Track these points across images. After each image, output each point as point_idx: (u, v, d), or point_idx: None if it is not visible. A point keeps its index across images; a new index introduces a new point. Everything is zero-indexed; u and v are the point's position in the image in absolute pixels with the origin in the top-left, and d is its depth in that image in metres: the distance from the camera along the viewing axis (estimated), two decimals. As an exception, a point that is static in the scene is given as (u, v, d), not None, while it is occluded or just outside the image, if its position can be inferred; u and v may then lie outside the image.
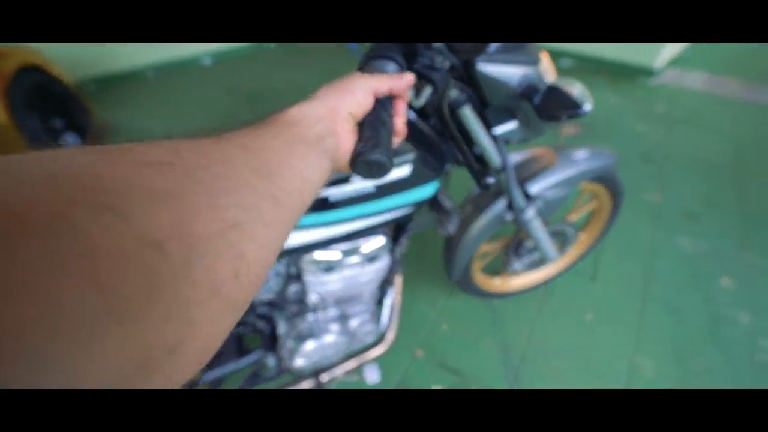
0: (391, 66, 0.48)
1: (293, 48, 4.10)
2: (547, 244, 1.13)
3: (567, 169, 1.03)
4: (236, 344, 1.04)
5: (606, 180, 1.18)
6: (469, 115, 0.69)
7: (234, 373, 1.14)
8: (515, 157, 1.08)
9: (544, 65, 0.73)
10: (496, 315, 1.42)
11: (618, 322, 1.36)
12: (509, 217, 1.02)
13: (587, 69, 2.95)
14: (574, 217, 1.31)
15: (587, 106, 0.63)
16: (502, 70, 0.65)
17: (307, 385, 1.07)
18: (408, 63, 0.58)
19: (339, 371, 1.10)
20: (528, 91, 0.66)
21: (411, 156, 0.71)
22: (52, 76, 2.34)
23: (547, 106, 0.65)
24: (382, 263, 0.88)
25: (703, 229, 1.63)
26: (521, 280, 1.43)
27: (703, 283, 1.44)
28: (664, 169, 1.96)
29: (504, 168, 0.82)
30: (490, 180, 0.72)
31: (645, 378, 1.20)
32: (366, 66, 0.49)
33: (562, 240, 1.30)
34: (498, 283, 1.40)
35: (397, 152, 0.69)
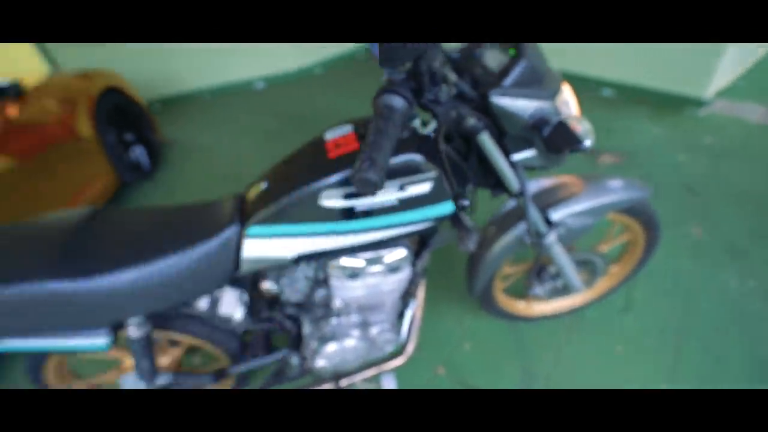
0: (398, 101, 0.55)
1: (336, 74, 4.35)
2: (571, 272, 1.13)
3: (593, 198, 1.04)
4: (265, 342, 1.12)
5: (638, 213, 1.15)
6: (486, 141, 0.75)
7: (261, 369, 1.23)
8: (542, 183, 1.11)
9: (564, 97, 0.78)
10: (521, 339, 1.42)
11: (650, 358, 1.31)
12: (529, 240, 1.04)
13: (629, 99, 2.90)
14: (605, 248, 1.28)
15: (587, 143, 0.66)
16: (516, 103, 0.70)
17: (324, 388, 1.12)
18: (416, 97, 0.65)
19: (358, 378, 1.15)
20: (539, 124, 0.70)
21: (433, 174, 0.75)
22: (128, 97, 2.65)
23: (554, 140, 0.68)
24: (404, 275, 0.93)
25: (751, 267, 1.54)
26: (546, 306, 1.43)
27: (750, 326, 1.36)
28: (709, 201, 1.88)
29: (522, 193, 0.86)
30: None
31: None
32: (377, 99, 0.57)
33: (590, 270, 1.28)
34: (521, 307, 1.40)
35: (419, 170, 0.75)
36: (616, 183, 1.08)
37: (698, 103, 2.59)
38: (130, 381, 1.07)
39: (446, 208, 0.81)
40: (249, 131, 3.23)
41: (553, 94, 0.73)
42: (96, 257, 0.77)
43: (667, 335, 1.37)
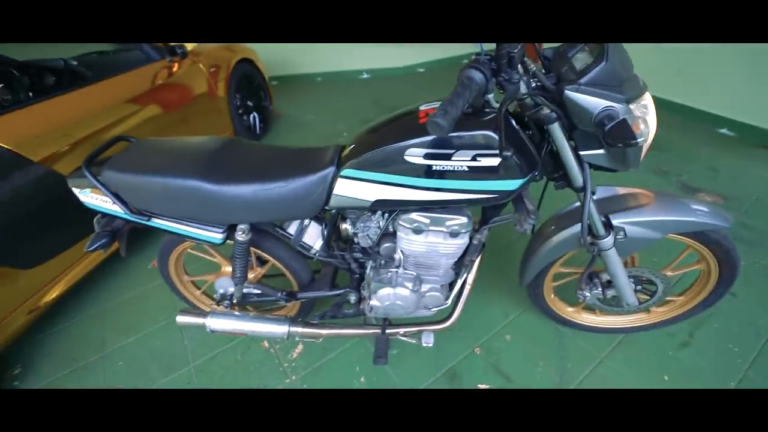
0: (478, 75, 0.71)
1: (436, 74, 4.53)
2: (625, 284, 1.15)
3: (660, 213, 1.04)
4: (331, 278, 1.34)
5: (712, 242, 1.11)
6: (556, 131, 0.85)
7: (323, 299, 1.43)
8: (615, 190, 1.14)
9: (643, 104, 0.83)
10: (564, 344, 1.45)
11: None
12: (586, 240, 1.04)
13: (749, 141, 2.63)
14: (671, 273, 1.26)
15: (640, 139, 0.72)
16: (588, 99, 0.78)
17: (371, 331, 1.29)
18: (494, 74, 0.77)
19: (402, 330, 1.30)
20: (605, 120, 0.76)
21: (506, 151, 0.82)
22: (256, 68, 3.09)
23: (612, 133, 0.74)
24: (461, 241, 1.05)
25: None
26: (594, 317, 1.44)
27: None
28: (818, 262, 1.69)
29: (584, 188, 0.93)
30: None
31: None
32: (462, 70, 0.72)
33: (649, 291, 1.27)
34: (569, 311, 1.44)
35: (492, 146, 0.86)
36: (690, 204, 1.06)
37: (836, 157, 2.28)
38: (225, 282, 1.35)
39: (511, 185, 0.91)
40: (348, 115, 3.55)
41: (628, 98, 0.78)
42: (230, 171, 1.02)
43: (723, 378, 1.30)
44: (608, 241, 1.05)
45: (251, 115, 3.11)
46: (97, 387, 1.48)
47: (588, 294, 1.26)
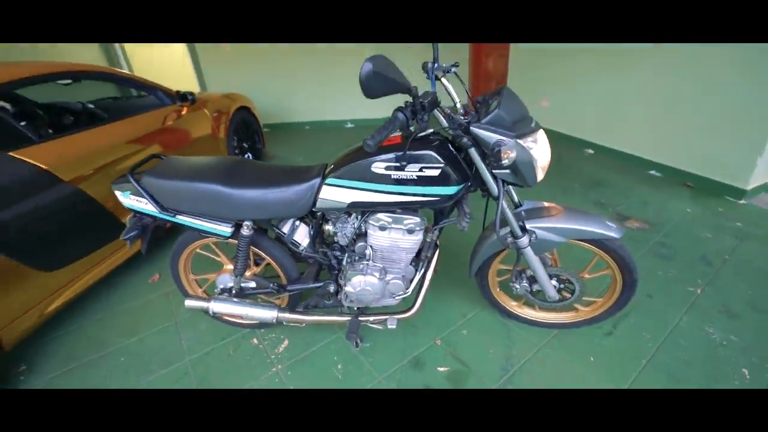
0: (401, 115, 1.01)
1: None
2: (543, 278, 1.46)
3: (563, 222, 1.33)
4: (316, 272, 1.61)
5: (610, 250, 1.38)
6: (473, 154, 1.19)
7: (308, 292, 1.69)
8: (537, 204, 1.43)
9: (534, 138, 1.17)
10: (511, 336, 1.72)
11: (617, 370, 1.54)
12: (510, 239, 1.36)
13: (675, 181, 3.10)
14: (588, 275, 1.55)
15: (504, 162, 1.11)
16: (486, 133, 1.14)
17: (346, 318, 1.55)
18: (413, 115, 1.05)
19: (371, 318, 1.56)
20: (495, 147, 1.12)
21: (441, 164, 1.17)
22: (253, 116, 3.51)
23: (493, 157, 1.12)
24: (416, 238, 1.35)
25: (739, 329, 1.69)
26: (534, 312, 1.73)
27: (716, 370, 1.51)
28: (720, 271, 2.04)
29: (498, 197, 1.26)
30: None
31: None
32: (393, 112, 1.02)
33: (570, 290, 1.56)
34: (513, 305, 1.73)
35: (432, 160, 1.17)
36: (591, 217, 1.33)
37: (739, 193, 2.74)
38: (225, 278, 1.61)
39: (449, 190, 1.22)
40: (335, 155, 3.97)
41: (517, 134, 1.12)
42: (241, 179, 1.35)
43: (637, 359, 1.57)
44: (524, 240, 1.35)
45: (246, 156, 3.49)
46: (99, 381, 1.65)
47: (518, 286, 1.56)
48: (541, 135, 1.21)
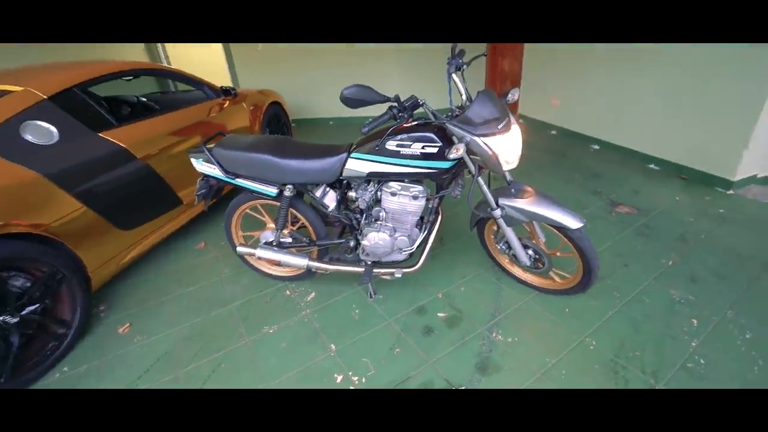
0: (389, 114, 1.41)
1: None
2: (516, 245, 1.80)
3: (530, 204, 1.59)
4: (340, 232, 2.00)
5: (571, 237, 1.63)
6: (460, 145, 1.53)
7: (333, 247, 2.06)
8: (517, 185, 1.70)
9: (494, 139, 1.47)
10: (501, 293, 2.05)
11: (586, 318, 1.84)
12: (489, 210, 1.69)
13: (670, 174, 3.34)
14: (559, 254, 1.82)
15: (451, 156, 1.47)
16: (456, 130, 1.51)
17: (362, 269, 1.91)
18: (400, 112, 1.42)
19: (383, 270, 1.92)
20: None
21: (438, 144, 1.52)
22: (283, 110, 3.92)
23: (448, 150, 1.48)
24: (420, 203, 1.69)
25: (698, 291, 1.97)
26: (521, 272, 2.06)
27: (671, 323, 1.80)
28: (694, 248, 2.30)
29: (474, 176, 1.60)
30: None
31: (589, 350, 1.68)
32: (387, 109, 1.41)
33: (540, 261, 1.85)
34: (506, 262, 2.09)
35: (432, 141, 1.53)
36: (551, 203, 1.57)
37: (727, 184, 2.97)
38: (268, 234, 2.00)
39: (444, 164, 1.59)
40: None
41: (481, 133, 1.43)
42: (287, 151, 1.76)
43: (605, 310, 1.87)
44: (496, 212, 1.67)
45: (276, 145, 3.89)
46: (169, 317, 2.06)
47: (498, 247, 1.95)
48: (508, 135, 1.48)
